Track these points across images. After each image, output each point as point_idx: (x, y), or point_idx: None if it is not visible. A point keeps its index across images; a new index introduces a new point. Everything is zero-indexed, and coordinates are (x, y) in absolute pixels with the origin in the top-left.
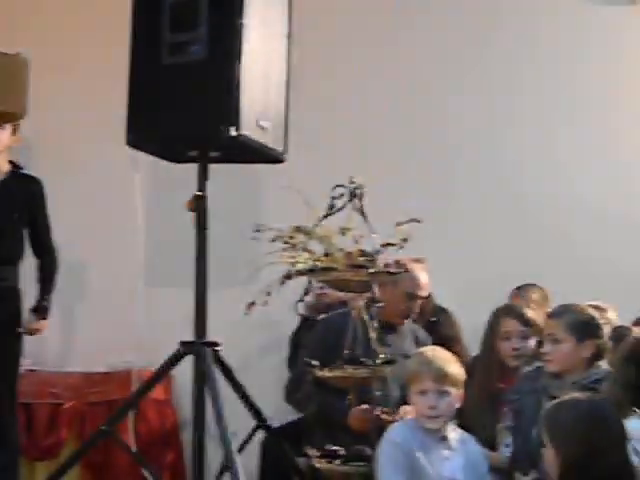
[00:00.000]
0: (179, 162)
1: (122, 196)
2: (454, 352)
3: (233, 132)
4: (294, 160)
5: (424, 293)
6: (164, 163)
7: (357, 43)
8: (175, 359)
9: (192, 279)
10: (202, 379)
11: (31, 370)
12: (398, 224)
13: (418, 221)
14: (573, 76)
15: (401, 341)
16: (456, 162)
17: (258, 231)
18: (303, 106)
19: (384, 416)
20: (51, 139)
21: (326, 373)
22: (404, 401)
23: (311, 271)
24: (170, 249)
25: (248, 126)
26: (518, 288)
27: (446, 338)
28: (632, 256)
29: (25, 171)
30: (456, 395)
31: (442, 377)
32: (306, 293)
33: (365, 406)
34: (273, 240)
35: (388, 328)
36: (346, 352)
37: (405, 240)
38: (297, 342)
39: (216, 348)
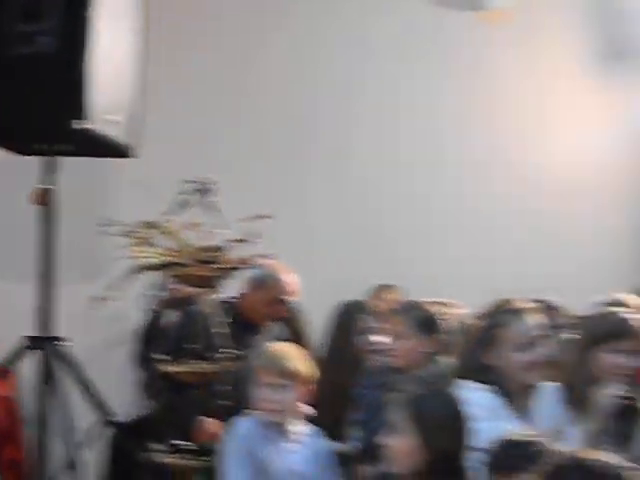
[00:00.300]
0: (26, 155)
1: None
2: (304, 348)
3: (80, 125)
4: (145, 155)
5: (295, 298)
6: (3, 154)
7: (211, 39)
8: (18, 354)
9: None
10: (47, 374)
11: None
12: (248, 220)
13: (269, 217)
14: (412, 77)
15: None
16: (309, 161)
17: (107, 225)
18: (156, 102)
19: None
20: None
21: (173, 368)
22: None
23: (159, 266)
24: (13, 242)
25: (97, 120)
26: (378, 287)
27: (297, 334)
28: (482, 254)
29: None
30: (301, 390)
31: (285, 372)
32: (155, 288)
33: (210, 420)
34: (121, 235)
35: (253, 329)
36: (192, 347)
37: (255, 237)
38: (146, 336)
39: (61, 343)
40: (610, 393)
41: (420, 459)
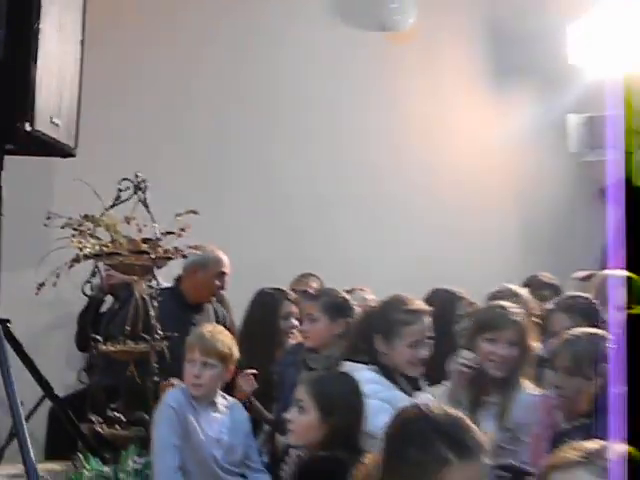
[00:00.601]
0: None
1: None
2: (229, 330)
3: (28, 127)
4: (85, 154)
5: (229, 269)
6: None
7: (147, 48)
8: None
9: None
10: None
11: None
12: (177, 215)
13: (196, 212)
14: (323, 87)
15: (206, 319)
16: (231, 163)
17: (49, 218)
18: (96, 106)
19: None
20: None
21: (110, 348)
22: None
23: (97, 256)
24: None
25: (42, 123)
26: (299, 276)
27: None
28: (388, 249)
29: None
30: (224, 369)
31: (209, 350)
32: (93, 275)
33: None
34: (63, 227)
35: (195, 309)
36: (127, 328)
37: (183, 229)
38: (86, 319)
39: (7, 324)
40: (458, 360)
41: (320, 434)
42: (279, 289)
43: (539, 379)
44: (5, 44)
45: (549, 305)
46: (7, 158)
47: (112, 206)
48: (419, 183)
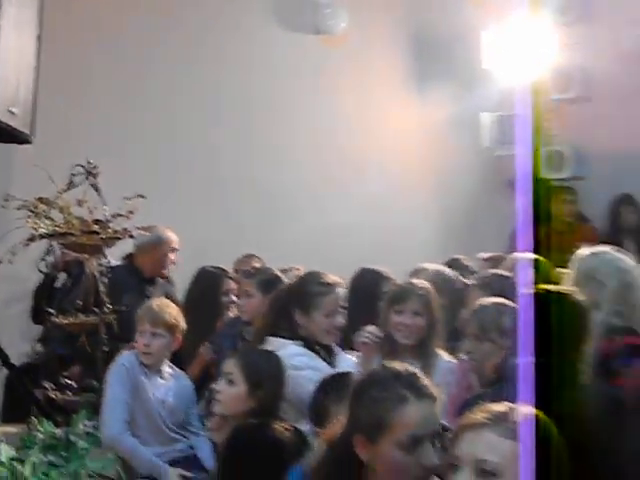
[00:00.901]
0: None
1: None
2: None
3: None
4: (41, 142)
5: (178, 245)
6: None
7: (101, 42)
8: None
9: None
10: None
11: None
12: (126, 198)
13: (143, 197)
14: (250, 85)
15: (157, 292)
16: (177, 148)
17: (7, 200)
18: (52, 96)
19: None
20: None
21: (62, 320)
22: None
23: (51, 235)
24: None
25: (0, 112)
26: (242, 256)
27: (166, 293)
28: (320, 230)
29: None
30: (171, 339)
31: (158, 322)
32: (47, 253)
33: None
34: (19, 208)
35: (149, 282)
36: (79, 302)
37: (131, 212)
38: (41, 294)
39: None
40: (361, 334)
41: (247, 405)
42: (220, 268)
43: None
44: None
45: (469, 282)
46: None
47: (65, 190)
48: (350, 171)
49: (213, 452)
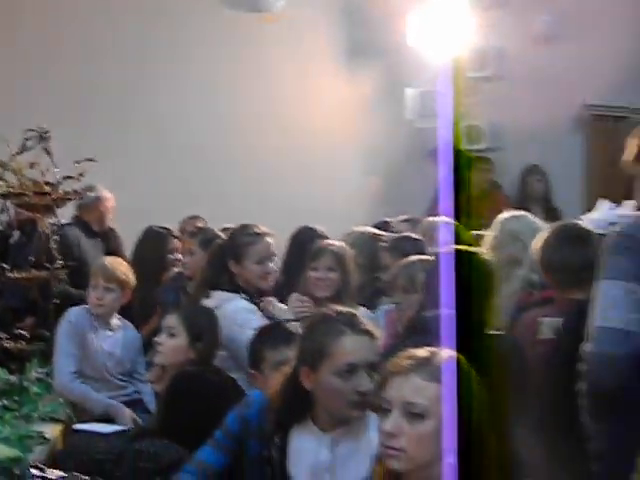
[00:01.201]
0: None
1: None
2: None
3: None
4: None
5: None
6: None
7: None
8: None
9: None
10: None
11: None
12: (76, 162)
13: (93, 160)
14: (190, 57)
15: (110, 245)
16: (125, 116)
17: None
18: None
19: None
20: None
21: (16, 274)
22: None
23: (5, 196)
24: None
25: None
26: (190, 217)
27: (115, 250)
28: (260, 193)
29: None
30: (122, 293)
31: (110, 277)
32: (1, 212)
33: None
34: None
35: (98, 236)
36: (31, 258)
37: (82, 174)
38: None
39: None
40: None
41: (187, 356)
42: (165, 228)
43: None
44: None
45: (384, 244)
46: None
47: (18, 153)
48: (287, 139)
49: (155, 398)
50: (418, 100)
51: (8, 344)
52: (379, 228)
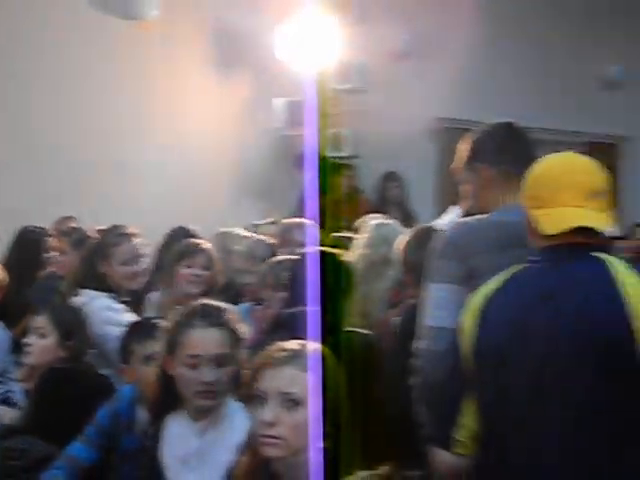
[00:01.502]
0: None
1: None
2: None
3: None
4: None
5: None
6: None
7: None
8: None
9: None
10: None
11: None
12: None
13: None
14: (63, 62)
15: None
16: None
17: None
18: None
19: None
20: None
21: None
22: None
23: None
24: None
25: None
26: (63, 218)
27: None
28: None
29: None
30: None
31: None
32: None
33: None
34: None
35: None
36: None
37: None
38: None
39: None
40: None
41: (57, 355)
42: (40, 227)
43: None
44: None
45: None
46: None
47: None
48: (158, 149)
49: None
50: (286, 109)
51: None
52: (246, 230)
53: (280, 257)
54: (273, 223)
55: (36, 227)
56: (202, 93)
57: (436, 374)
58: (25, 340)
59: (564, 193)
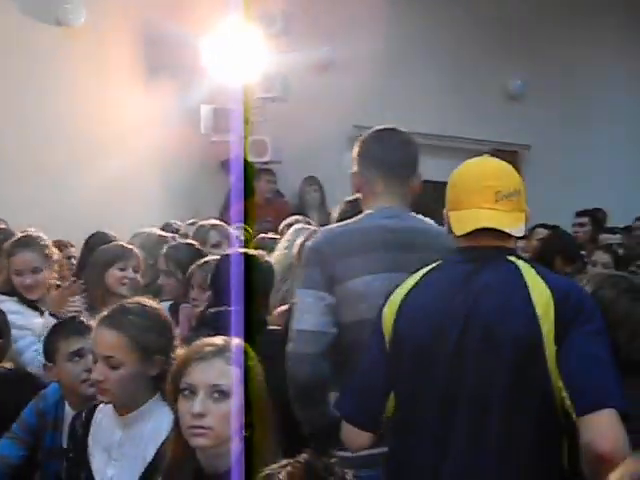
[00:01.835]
0: None
1: None
2: None
3: None
4: None
5: None
6: None
7: None
8: None
9: None
10: None
11: None
12: None
13: None
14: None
15: None
16: None
17: None
18: None
19: None
20: None
21: None
22: None
23: None
24: None
25: None
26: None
27: None
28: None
29: None
30: None
31: None
32: None
33: None
34: None
35: None
36: None
37: None
38: None
39: None
40: None
41: None
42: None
43: None
44: None
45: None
46: None
47: None
48: (89, 154)
49: None
50: (212, 116)
51: None
52: (163, 229)
53: (207, 258)
54: (193, 224)
55: None
56: (130, 100)
57: (303, 376)
58: None
59: (475, 196)
